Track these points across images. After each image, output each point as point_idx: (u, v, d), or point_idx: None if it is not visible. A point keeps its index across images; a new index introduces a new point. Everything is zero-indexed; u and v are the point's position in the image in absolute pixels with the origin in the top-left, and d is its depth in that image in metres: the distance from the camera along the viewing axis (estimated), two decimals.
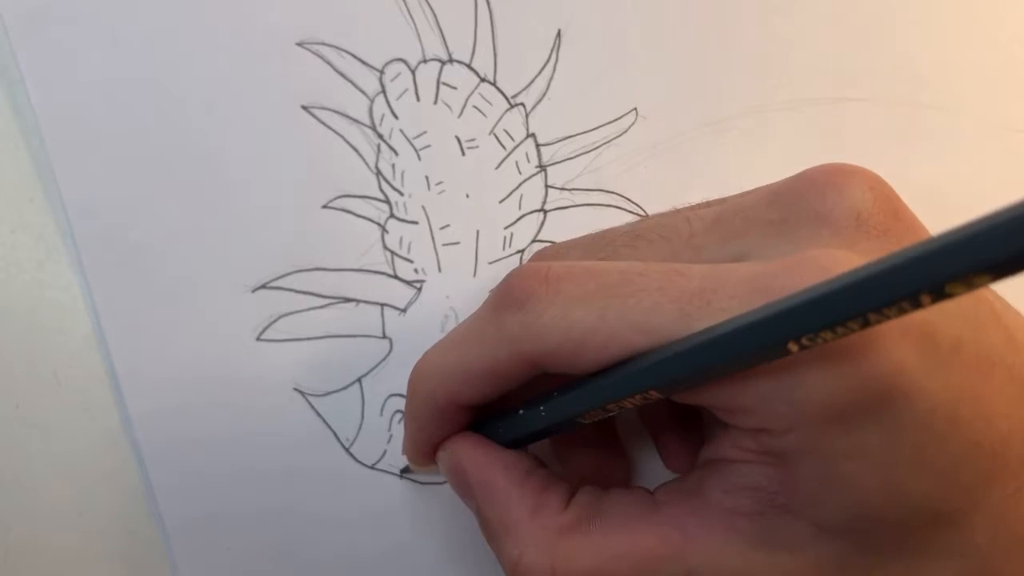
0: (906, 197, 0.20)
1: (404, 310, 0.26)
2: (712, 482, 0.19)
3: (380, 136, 0.26)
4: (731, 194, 0.22)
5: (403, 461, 0.26)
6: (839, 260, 0.17)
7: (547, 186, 0.27)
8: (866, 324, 0.14)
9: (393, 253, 0.26)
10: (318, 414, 0.25)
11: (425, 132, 0.26)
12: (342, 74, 0.25)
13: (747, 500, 0.19)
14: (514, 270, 0.20)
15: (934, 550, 0.18)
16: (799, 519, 0.18)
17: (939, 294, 0.13)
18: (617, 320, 0.18)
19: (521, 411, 0.21)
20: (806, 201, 0.19)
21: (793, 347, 0.15)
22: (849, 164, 0.19)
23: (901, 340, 0.16)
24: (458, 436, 0.22)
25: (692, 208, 0.22)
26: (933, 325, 0.17)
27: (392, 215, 0.26)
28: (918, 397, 0.16)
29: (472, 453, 0.22)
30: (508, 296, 0.20)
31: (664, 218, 0.22)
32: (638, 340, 0.18)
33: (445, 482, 0.26)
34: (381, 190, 0.26)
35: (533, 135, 0.27)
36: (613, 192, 0.27)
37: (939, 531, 0.18)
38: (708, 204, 0.22)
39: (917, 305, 0.13)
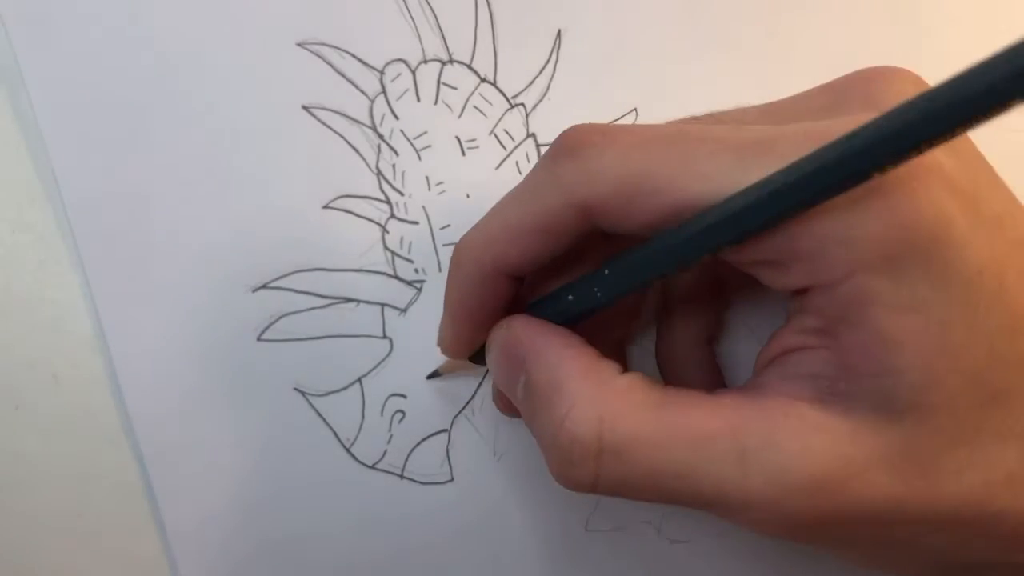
0: None
1: (404, 310, 0.26)
2: (770, 375, 0.19)
3: (380, 136, 0.26)
4: None
5: (408, 444, 0.26)
6: None
7: None
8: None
9: (393, 253, 0.26)
10: (318, 414, 0.25)
11: (425, 132, 0.26)
12: (342, 74, 0.25)
13: (807, 388, 0.18)
14: (568, 128, 0.20)
15: (995, 432, 0.18)
16: (860, 405, 0.18)
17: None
18: (675, 165, 0.18)
19: (578, 280, 0.21)
20: (854, 89, 0.20)
21: (877, 173, 0.15)
22: (897, 66, 0.20)
23: (949, 195, 0.17)
24: (514, 316, 0.22)
25: (743, 106, 0.22)
26: (977, 193, 0.17)
27: (392, 215, 0.26)
28: (966, 249, 0.17)
29: (528, 324, 0.21)
30: (563, 146, 0.19)
31: (716, 111, 0.21)
32: (695, 186, 0.18)
33: (446, 482, 0.26)
34: (381, 190, 0.26)
35: (533, 135, 0.27)
36: None
37: (998, 412, 0.18)
38: (759, 104, 0.22)
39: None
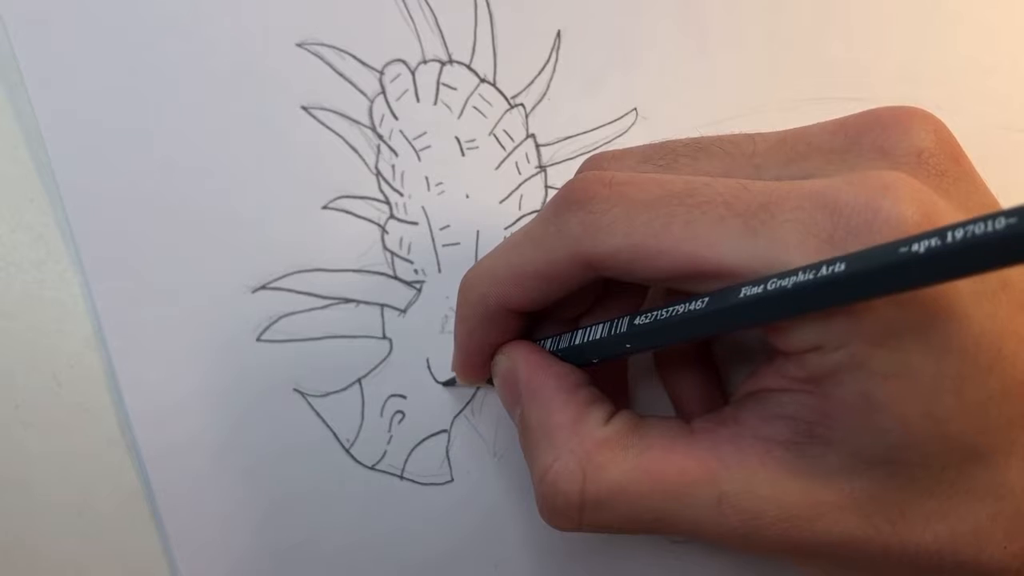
0: None
1: (404, 311, 0.26)
2: (749, 412, 0.19)
3: (380, 137, 0.26)
4: None
5: (407, 444, 0.26)
6: (903, 180, 0.17)
7: (547, 187, 0.27)
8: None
9: (393, 254, 0.26)
10: (318, 414, 0.25)
11: (425, 133, 0.26)
12: (342, 75, 0.25)
13: (784, 429, 0.19)
14: (574, 176, 0.20)
15: (969, 489, 0.18)
16: (836, 451, 0.18)
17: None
18: (681, 229, 0.18)
19: (591, 328, 0.21)
20: (871, 135, 0.19)
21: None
22: (916, 107, 0.20)
23: None
24: (517, 341, 0.22)
25: (756, 133, 0.22)
26: None
27: (392, 216, 0.26)
28: (965, 322, 0.17)
29: (528, 357, 0.22)
30: (569, 197, 0.19)
31: (728, 135, 0.21)
32: (701, 252, 0.18)
33: (445, 482, 0.26)
34: (381, 191, 0.26)
35: (533, 135, 0.27)
36: None
37: (975, 469, 0.18)
38: (771, 132, 0.22)
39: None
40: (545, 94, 0.27)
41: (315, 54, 0.25)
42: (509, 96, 0.26)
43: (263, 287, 0.25)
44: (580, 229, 0.19)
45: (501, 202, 0.26)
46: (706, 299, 0.18)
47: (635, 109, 0.27)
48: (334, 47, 0.25)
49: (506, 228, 0.26)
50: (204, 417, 0.25)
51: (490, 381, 0.24)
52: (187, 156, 0.25)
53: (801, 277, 0.16)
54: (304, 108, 0.25)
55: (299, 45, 0.25)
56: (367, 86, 0.26)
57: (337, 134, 0.25)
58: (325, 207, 0.25)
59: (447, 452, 0.26)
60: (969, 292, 0.17)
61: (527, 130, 0.26)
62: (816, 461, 0.18)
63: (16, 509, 0.24)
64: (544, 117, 0.26)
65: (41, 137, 0.24)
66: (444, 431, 0.26)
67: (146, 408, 0.25)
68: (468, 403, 0.26)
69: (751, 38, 0.27)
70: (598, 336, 0.21)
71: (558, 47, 0.27)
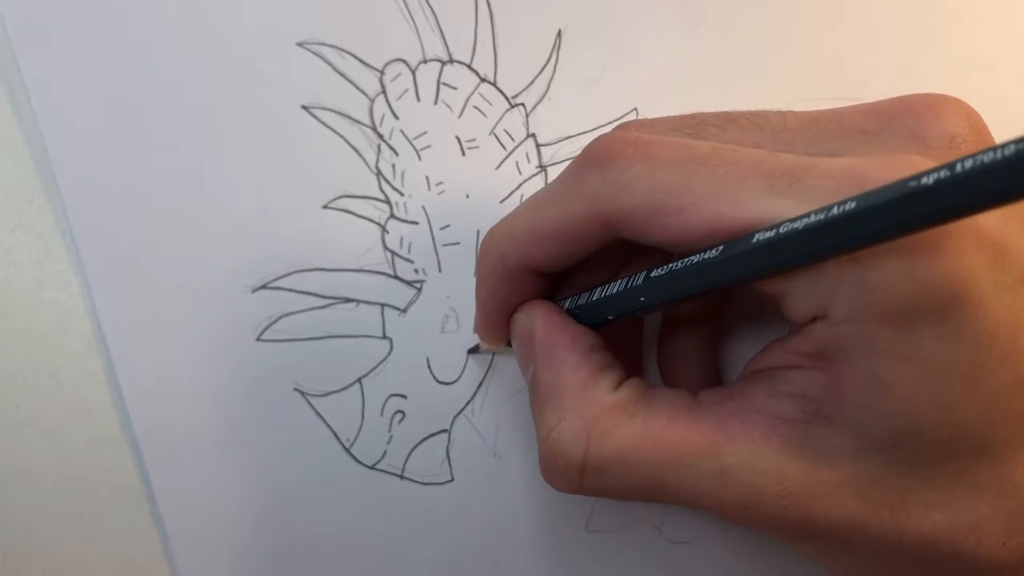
0: None
1: (404, 310, 0.26)
2: (758, 387, 0.19)
3: (380, 136, 0.26)
4: None
5: (407, 444, 0.26)
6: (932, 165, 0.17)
7: None
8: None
9: (393, 253, 0.26)
10: (318, 414, 0.25)
11: (425, 132, 0.26)
12: (342, 74, 0.25)
13: (791, 406, 0.19)
14: (599, 136, 0.20)
15: (973, 481, 0.18)
16: (842, 432, 0.18)
17: None
18: (704, 186, 0.18)
19: (608, 286, 0.21)
20: (904, 119, 0.19)
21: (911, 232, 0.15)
22: (950, 95, 0.20)
23: (976, 251, 0.16)
24: (536, 301, 0.22)
25: (787, 110, 0.22)
26: (1006, 248, 0.17)
27: (392, 215, 0.26)
28: (982, 311, 0.16)
29: (546, 316, 0.22)
30: (592, 155, 0.19)
31: (759, 111, 0.21)
32: (722, 209, 0.18)
33: (446, 482, 0.26)
34: (381, 190, 0.26)
35: (533, 135, 0.27)
36: None
37: (980, 462, 0.18)
38: (803, 111, 0.22)
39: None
40: (545, 94, 0.27)
41: (315, 54, 0.25)
42: (509, 96, 0.26)
43: (263, 287, 0.25)
44: (601, 186, 0.19)
45: (501, 202, 0.26)
46: (721, 247, 0.18)
47: (635, 109, 0.27)
48: (334, 47, 0.25)
49: None
50: (204, 417, 0.25)
51: (510, 344, 0.24)
52: (187, 156, 0.25)
53: (813, 218, 0.16)
54: (304, 108, 0.25)
55: (299, 45, 0.25)
56: (367, 85, 0.26)
57: (337, 133, 0.25)
58: (325, 207, 0.25)
59: (447, 452, 0.26)
60: (988, 282, 0.16)
61: (527, 130, 0.26)
62: (820, 441, 0.18)
63: (16, 509, 0.24)
64: (544, 117, 0.26)
65: (41, 137, 0.24)
66: (444, 431, 0.26)
67: (146, 408, 0.25)
68: (468, 403, 0.26)
69: (750, 38, 0.27)
70: (614, 291, 0.21)
71: (558, 47, 0.27)
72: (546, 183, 0.27)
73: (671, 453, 0.19)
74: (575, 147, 0.27)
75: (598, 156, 0.19)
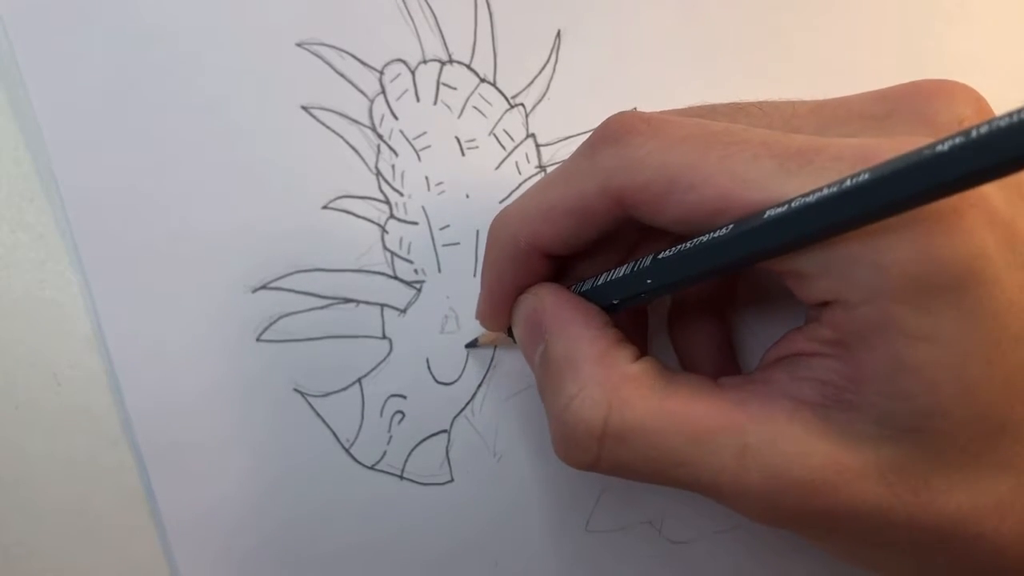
0: None
1: (404, 310, 0.26)
2: (779, 373, 0.19)
3: (380, 136, 0.26)
4: None
5: (407, 444, 0.26)
6: None
7: None
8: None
9: (393, 253, 0.26)
10: (318, 414, 0.25)
11: (425, 132, 0.26)
12: (342, 74, 0.25)
13: (813, 391, 0.18)
14: (614, 113, 0.20)
15: (993, 461, 0.18)
16: (864, 417, 0.18)
17: None
18: (715, 164, 0.18)
19: (614, 270, 0.21)
20: (912, 103, 0.19)
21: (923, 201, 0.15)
22: (958, 81, 0.20)
23: (989, 229, 0.16)
24: (543, 283, 0.22)
25: (795, 100, 0.22)
26: (1015, 228, 0.17)
27: (392, 215, 0.26)
28: (997, 288, 0.16)
29: (556, 293, 0.22)
30: (606, 132, 0.19)
31: (768, 100, 0.21)
32: (732, 187, 0.18)
33: (445, 482, 0.26)
34: (381, 190, 0.26)
35: (533, 135, 0.27)
36: None
37: (1000, 441, 0.18)
38: (810, 100, 0.22)
39: None
40: (545, 94, 0.27)
41: (315, 54, 0.25)
42: (509, 96, 0.26)
43: (263, 287, 0.25)
44: (614, 162, 0.19)
45: (501, 202, 0.26)
46: (731, 225, 0.18)
47: (635, 109, 0.27)
48: (334, 47, 0.25)
49: None
50: (204, 417, 0.25)
51: (512, 334, 0.24)
52: (187, 156, 0.25)
53: (825, 191, 0.16)
54: (304, 108, 0.25)
55: (299, 45, 0.25)
56: (367, 86, 0.26)
57: (337, 134, 0.25)
58: (325, 207, 0.25)
59: (447, 452, 0.26)
60: (1001, 260, 0.16)
61: (527, 130, 0.26)
62: (843, 426, 0.18)
63: (16, 509, 0.24)
64: (544, 117, 0.26)
65: (41, 137, 0.24)
66: (444, 431, 0.26)
67: (146, 408, 0.25)
68: (468, 403, 0.26)
69: (751, 38, 0.27)
70: (620, 274, 0.21)
71: (558, 47, 0.27)
72: None
73: (693, 427, 0.19)
74: (575, 147, 0.27)
75: (612, 132, 0.19)
